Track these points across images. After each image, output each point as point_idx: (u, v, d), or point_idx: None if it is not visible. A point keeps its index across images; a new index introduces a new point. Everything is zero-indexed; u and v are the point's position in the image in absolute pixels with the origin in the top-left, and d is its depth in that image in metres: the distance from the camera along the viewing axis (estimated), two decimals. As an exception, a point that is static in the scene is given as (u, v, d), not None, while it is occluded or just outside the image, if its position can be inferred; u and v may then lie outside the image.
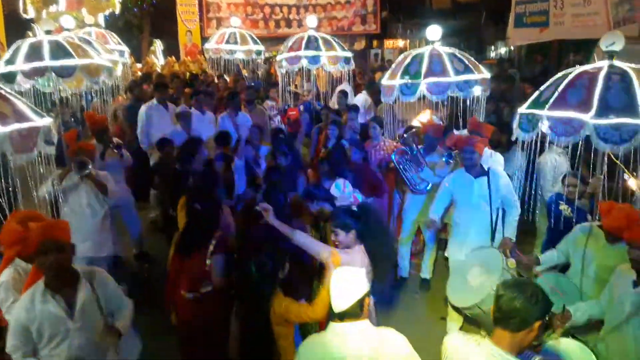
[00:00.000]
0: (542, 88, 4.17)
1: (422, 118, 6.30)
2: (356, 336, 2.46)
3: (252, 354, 3.53)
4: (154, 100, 7.41)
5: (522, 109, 4.20)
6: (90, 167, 4.91)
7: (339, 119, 7.27)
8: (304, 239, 3.56)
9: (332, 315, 2.51)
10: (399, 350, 2.48)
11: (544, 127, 3.89)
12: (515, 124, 4.24)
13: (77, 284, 2.95)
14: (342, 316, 2.48)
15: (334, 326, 2.51)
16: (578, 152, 4.10)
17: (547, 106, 3.89)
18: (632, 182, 4.40)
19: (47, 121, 3.63)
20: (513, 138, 4.33)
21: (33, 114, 3.55)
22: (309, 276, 3.77)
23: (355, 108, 7.73)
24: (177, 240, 4.01)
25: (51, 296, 2.87)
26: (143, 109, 7.32)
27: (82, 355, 2.91)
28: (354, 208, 3.70)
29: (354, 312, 2.47)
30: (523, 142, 4.20)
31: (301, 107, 8.84)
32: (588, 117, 3.64)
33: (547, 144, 4.39)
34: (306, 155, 7.22)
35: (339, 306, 2.47)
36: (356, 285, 2.49)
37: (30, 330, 2.84)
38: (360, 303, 2.48)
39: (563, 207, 4.68)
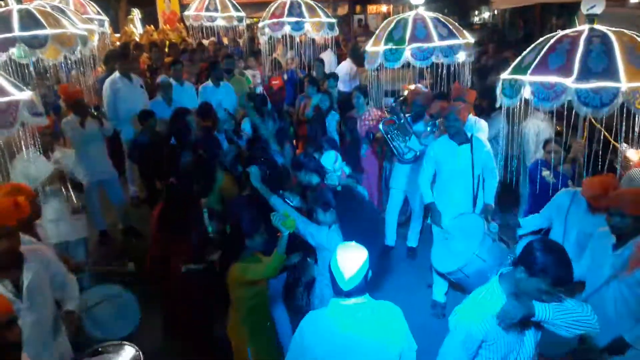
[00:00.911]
0: (524, 53, 4.15)
1: (409, 86, 6.27)
2: (364, 312, 2.46)
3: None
4: (117, 73, 7.07)
5: (505, 75, 4.19)
6: None
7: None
8: (279, 204, 3.67)
9: (338, 292, 2.46)
10: (400, 324, 2.53)
11: (527, 92, 3.88)
12: (498, 90, 4.22)
13: (21, 264, 2.89)
14: (350, 293, 2.44)
15: (339, 303, 2.47)
16: (564, 118, 4.12)
17: (529, 71, 3.87)
18: (631, 153, 4.38)
19: (27, 94, 3.50)
20: (497, 105, 4.32)
21: (12, 87, 3.42)
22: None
23: (334, 76, 7.64)
24: (158, 216, 3.98)
25: None
26: (107, 83, 7.03)
27: (36, 333, 2.89)
28: (338, 188, 3.68)
29: (361, 288, 2.46)
30: (508, 108, 4.20)
31: (285, 76, 8.73)
32: (569, 82, 3.63)
33: (530, 110, 4.39)
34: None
35: (349, 283, 2.43)
36: (362, 261, 2.47)
37: None
38: (366, 278, 2.48)
39: (545, 173, 4.72)
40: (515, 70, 4.07)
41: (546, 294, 2.39)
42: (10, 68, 5.56)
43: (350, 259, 2.45)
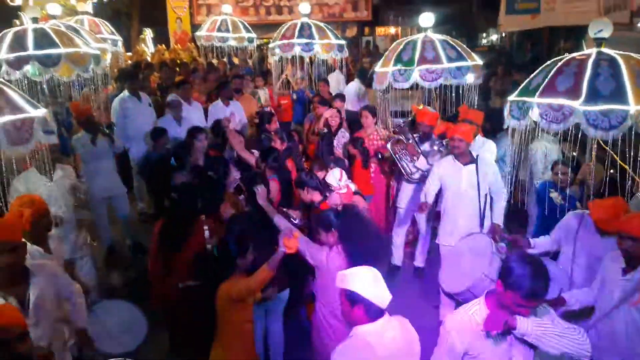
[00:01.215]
0: (532, 76, 4.17)
1: (418, 106, 6.29)
2: (393, 330, 2.51)
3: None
4: (126, 92, 7.18)
5: (513, 97, 4.21)
6: None
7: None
8: (284, 226, 3.67)
9: (375, 315, 2.48)
10: (415, 336, 2.62)
11: (535, 114, 3.89)
12: (506, 112, 4.24)
13: (27, 279, 2.90)
14: (381, 313, 2.48)
15: (367, 329, 2.49)
16: (569, 139, 4.12)
17: (537, 93, 3.89)
18: None
19: (42, 112, 3.55)
20: (505, 126, 4.34)
21: (27, 104, 3.47)
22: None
23: (341, 96, 7.70)
24: (158, 233, 3.99)
25: (2, 297, 2.80)
26: (116, 102, 7.13)
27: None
28: (339, 208, 3.68)
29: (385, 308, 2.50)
30: (514, 130, 4.21)
31: (294, 96, 8.81)
32: (577, 104, 3.65)
33: (537, 131, 4.40)
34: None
35: (383, 303, 2.47)
36: (383, 281, 2.51)
37: None
38: None
39: (553, 194, 4.71)
40: (523, 93, 4.09)
41: (523, 307, 2.39)
42: (23, 84, 5.67)
43: (376, 279, 2.49)
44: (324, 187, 4.89)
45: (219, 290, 3.39)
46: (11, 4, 11.60)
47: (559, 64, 3.96)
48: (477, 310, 2.60)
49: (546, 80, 3.91)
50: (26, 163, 4.21)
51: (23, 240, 2.95)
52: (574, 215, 4.00)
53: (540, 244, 4.16)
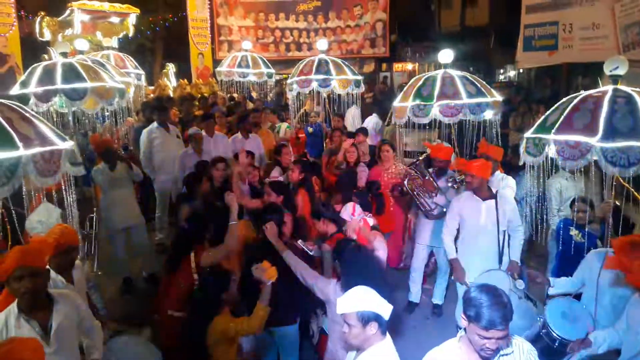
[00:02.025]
0: (548, 112, 4.18)
1: (432, 142, 6.30)
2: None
3: None
4: (155, 124, 7.38)
5: (529, 134, 4.21)
6: None
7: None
8: (293, 261, 3.67)
9: (384, 329, 2.55)
10: None
11: (551, 151, 3.90)
12: (522, 148, 4.23)
13: (51, 307, 2.92)
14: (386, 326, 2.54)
15: (383, 345, 2.56)
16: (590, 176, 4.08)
17: (553, 130, 3.89)
18: None
19: (69, 144, 3.64)
20: (520, 162, 4.32)
21: (55, 137, 3.56)
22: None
23: (363, 131, 7.76)
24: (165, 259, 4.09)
25: (25, 321, 2.83)
26: (144, 133, 7.33)
27: None
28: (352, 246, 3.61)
29: None
30: (532, 166, 4.19)
31: (309, 129, 8.88)
32: (594, 141, 3.64)
33: (553, 168, 4.37)
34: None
35: (388, 314, 2.53)
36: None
37: None
38: None
39: (573, 232, 4.65)
40: (540, 129, 4.09)
41: (487, 339, 2.33)
42: (49, 116, 5.84)
43: (375, 293, 2.54)
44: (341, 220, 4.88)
45: (212, 325, 3.39)
46: (41, 39, 12.03)
47: (575, 101, 3.97)
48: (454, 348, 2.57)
49: (562, 117, 3.91)
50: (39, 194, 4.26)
51: (47, 267, 3.00)
52: (595, 254, 3.93)
53: (560, 283, 4.08)
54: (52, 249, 3.39)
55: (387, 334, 2.60)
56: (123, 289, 6.18)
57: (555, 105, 4.15)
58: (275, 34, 17.17)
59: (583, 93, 4.05)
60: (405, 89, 6.49)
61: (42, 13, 12.14)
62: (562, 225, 4.78)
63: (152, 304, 4.08)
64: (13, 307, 2.87)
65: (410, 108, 5.99)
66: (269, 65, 11.63)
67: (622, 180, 4.22)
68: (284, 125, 9.18)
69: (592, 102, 3.84)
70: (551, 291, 4.09)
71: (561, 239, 4.55)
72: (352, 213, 4.64)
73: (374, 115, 9.76)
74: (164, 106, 7.88)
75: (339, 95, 9.05)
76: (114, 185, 5.97)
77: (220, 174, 5.63)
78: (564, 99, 4.16)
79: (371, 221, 4.96)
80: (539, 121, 4.23)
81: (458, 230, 4.93)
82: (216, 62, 14.36)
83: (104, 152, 6.00)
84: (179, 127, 8.67)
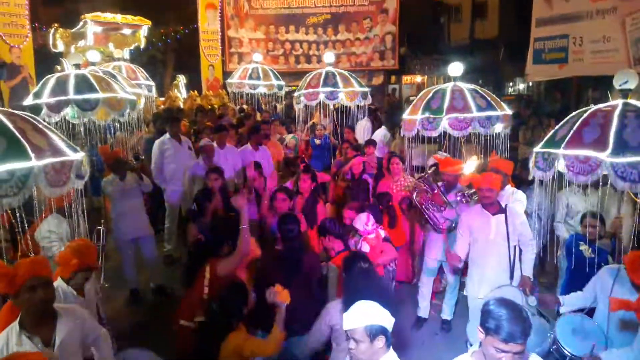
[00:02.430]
0: (557, 127, 4.15)
1: (440, 155, 6.27)
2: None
3: None
4: (167, 135, 7.38)
5: (538, 148, 4.18)
6: None
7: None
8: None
9: (389, 342, 2.55)
10: None
11: (560, 165, 3.86)
12: (531, 163, 4.20)
13: (54, 322, 2.89)
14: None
15: (389, 356, 2.56)
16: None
17: (562, 145, 3.86)
18: None
19: (79, 155, 3.64)
20: (530, 177, 4.28)
21: (67, 147, 3.57)
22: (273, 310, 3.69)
23: (372, 143, 7.75)
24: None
25: (27, 338, 2.78)
26: (156, 144, 7.33)
27: None
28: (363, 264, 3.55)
29: None
30: (541, 181, 4.16)
31: (317, 141, 8.88)
32: (604, 155, 3.60)
33: (564, 182, 4.33)
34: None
35: (391, 327, 2.54)
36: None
37: None
38: None
39: (583, 247, 4.58)
40: (549, 144, 4.06)
41: (504, 353, 2.30)
42: (60, 126, 5.89)
43: (378, 305, 2.54)
44: (351, 232, 4.84)
45: (227, 340, 3.35)
46: (54, 50, 12.19)
47: (585, 115, 3.94)
48: None
49: (572, 131, 3.88)
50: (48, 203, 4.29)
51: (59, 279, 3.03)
52: (608, 270, 3.86)
53: (570, 301, 4.02)
54: (75, 268, 3.44)
55: (391, 347, 2.59)
56: (130, 301, 6.17)
57: (565, 120, 4.12)
58: (285, 47, 17.30)
59: (592, 107, 4.02)
60: (414, 101, 6.48)
61: (56, 25, 12.31)
62: (572, 240, 4.71)
63: (165, 316, 4.08)
64: (14, 325, 2.82)
65: (420, 121, 5.98)
66: (279, 77, 11.70)
67: (632, 196, 4.17)
68: (289, 136, 9.20)
69: (601, 117, 3.80)
70: (562, 309, 4.03)
71: (571, 254, 4.48)
72: (366, 223, 4.61)
73: (383, 127, 9.77)
74: (176, 118, 7.93)
75: (348, 108, 9.07)
76: (123, 196, 5.96)
77: (217, 184, 5.61)
78: (574, 113, 4.13)
79: (382, 233, 4.94)
80: (548, 135, 4.20)
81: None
82: (226, 74, 14.47)
83: (113, 164, 6.01)
84: (193, 139, 8.73)
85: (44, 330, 2.85)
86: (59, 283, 3.48)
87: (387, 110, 13.78)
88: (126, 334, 5.13)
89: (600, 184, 3.79)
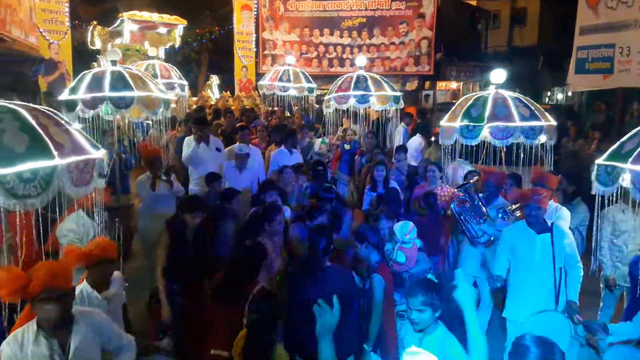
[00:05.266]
0: (623, 139, 3.82)
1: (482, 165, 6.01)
2: None
3: None
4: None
5: (601, 160, 3.86)
6: None
7: (384, 160, 7.04)
8: None
9: None
10: None
11: (626, 181, 3.54)
12: (593, 177, 3.89)
13: (71, 325, 2.79)
14: None
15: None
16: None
17: (630, 159, 3.54)
18: None
19: (101, 153, 3.52)
20: (593, 191, 3.97)
21: (90, 145, 3.45)
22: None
23: (403, 149, 7.53)
24: (214, 287, 3.82)
25: (45, 339, 2.72)
26: (185, 141, 7.13)
27: None
28: (429, 276, 3.34)
29: None
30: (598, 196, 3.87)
31: (346, 146, 8.67)
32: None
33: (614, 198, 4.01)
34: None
35: None
36: None
37: None
38: None
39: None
40: (614, 157, 3.75)
41: None
42: (93, 121, 5.87)
43: None
44: (389, 238, 4.63)
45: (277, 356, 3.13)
46: (91, 47, 12.39)
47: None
48: None
49: (642, 145, 3.56)
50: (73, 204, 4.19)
51: (72, 286, 2.89)
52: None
53: (620, 330, 3.70)
54: (84, 259, 3.31)
55: None
56: (151, 302, 6.07)
57: (634, 131, 3.79)
58: (319, 49, 17.16)
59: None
60: (453, 108, 6.26)
61: (94, 22, 12.50)
62: (635, 262, 4.36)
63: (189, 338, 3.87)
64: (32, 323, 2.75)
65: (459, 129, 5.74)
66: (311, 79, 11.57)
67: None
68: (319, 140, 9.04)
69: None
70: (610, 339, 3.73)
71: (633, 278, 4.14)
72: (406, 233, 4.42)
73: (418, 135, 9.53)
74: (204, 121, 7.83)
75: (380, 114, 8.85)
76: (154, 200, 5.88)
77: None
78: (643, 126, 3.82)
79: (419, 242, 4.71)
80: (612, 148, 3.87)
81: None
82: (259, 76, 14.43)
83: (151, 160, 5.92)
84: (222, 140, 8.63)
85: (61, 333, 2.77)
86: (83, 286, 3.38)
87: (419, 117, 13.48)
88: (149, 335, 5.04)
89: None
